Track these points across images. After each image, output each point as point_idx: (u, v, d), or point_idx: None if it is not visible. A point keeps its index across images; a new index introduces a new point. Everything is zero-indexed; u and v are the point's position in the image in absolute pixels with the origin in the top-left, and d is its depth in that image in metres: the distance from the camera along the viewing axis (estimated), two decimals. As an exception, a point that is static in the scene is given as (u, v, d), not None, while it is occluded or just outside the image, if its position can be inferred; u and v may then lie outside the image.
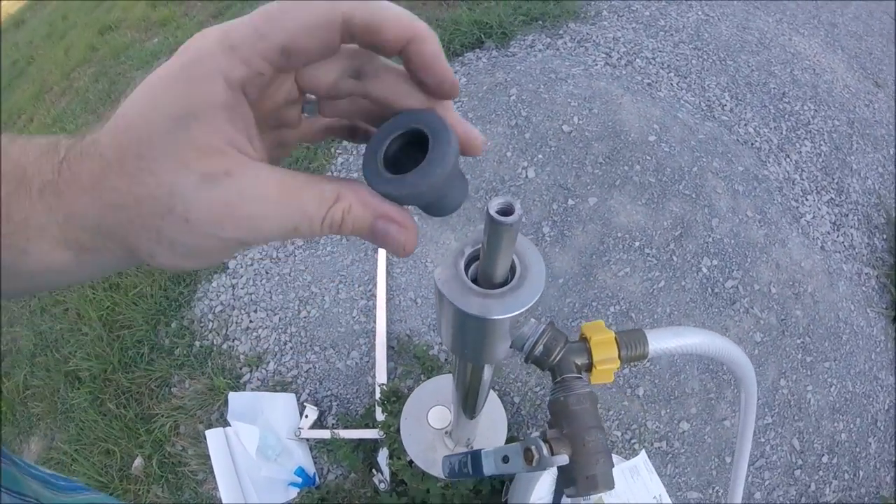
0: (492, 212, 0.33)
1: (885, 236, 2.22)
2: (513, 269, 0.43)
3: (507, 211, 0.33)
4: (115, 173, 0.23)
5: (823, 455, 1.73)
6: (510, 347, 0.47)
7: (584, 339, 0.48)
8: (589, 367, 0.47)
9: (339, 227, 0.25)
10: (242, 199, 0.23)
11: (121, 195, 0.24)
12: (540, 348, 0.46)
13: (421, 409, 1.25)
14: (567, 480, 0.42)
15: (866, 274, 2.08)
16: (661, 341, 0.49)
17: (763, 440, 1.71)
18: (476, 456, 0.47)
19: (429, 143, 0.27)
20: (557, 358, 0.46)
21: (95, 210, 0.24)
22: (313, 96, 0.30)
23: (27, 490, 0.44)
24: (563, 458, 0.41)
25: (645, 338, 0.49)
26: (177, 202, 0.23)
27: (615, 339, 0.47)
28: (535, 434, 0.43)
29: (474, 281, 0.42)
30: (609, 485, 0.42)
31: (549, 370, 0.47)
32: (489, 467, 0.45)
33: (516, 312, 0.41)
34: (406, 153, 0.28)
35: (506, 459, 0.44)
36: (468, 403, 0.77)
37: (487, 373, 0.67)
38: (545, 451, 0.41)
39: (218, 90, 0.23)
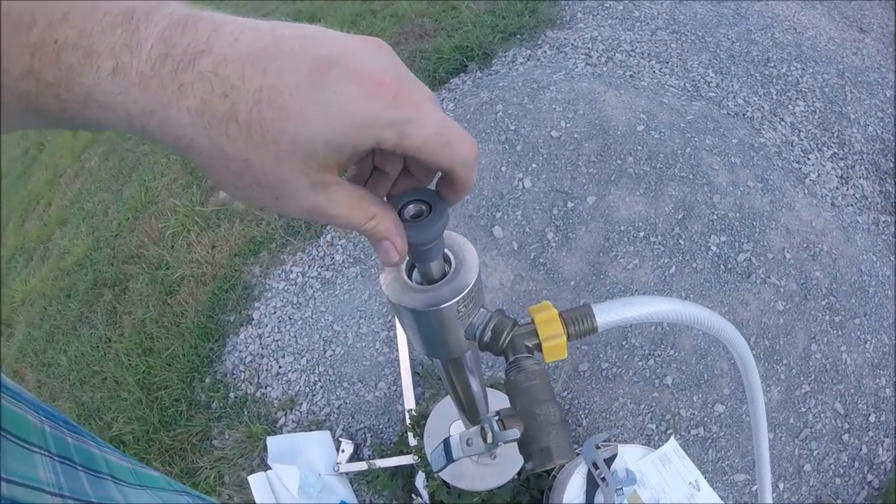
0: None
1: (897, 181, 2.17)
2: (450, 264, 0.48)
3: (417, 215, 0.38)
4: (239, 132, 0.26)
5: (870, 414, 1.67)
6: (466, 339, 0.50)
7: (532, 322, 0.51)
8: (539, 347, 0.50)
9: (363, 231, 0.35)
10: (328, 203, 0.31)
11: (235, 150, 0.27)
12: (489, 334, 0.49)
13: (442, 425, 1.27)
14: (525, 455, 0.45)
15: (884, 222, 2.03)
16: (610, 314, 0.52)
17: (804, 409, 1.67)
18: (447, 443, 0.50)
19: (431, 207, 0.38)
20: (507, 341, 0.49)
21: (194, 134, 0.26)
22: None
23: (102, 467, 0.53)
24: (514, 433, 0.44)
25: (591, 312, 0.51)
26: (280, 191, 0.29)
27: (559, 315, 0.50)
28: (492, 414, 0.46)
29: (419, 283, 0.47)
30: (564, 454, 0.44)
31: (503, 355, 0.50)
32: (457, 451, 0.49)
33: (454, 300, 0.45)
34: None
35: (469, 442, 0.48)
36: (468, 410, 0.79)
37: (474, 383, 0.70)
38: (496, 427, 0.44)
39: (369, 141, 0.29)
